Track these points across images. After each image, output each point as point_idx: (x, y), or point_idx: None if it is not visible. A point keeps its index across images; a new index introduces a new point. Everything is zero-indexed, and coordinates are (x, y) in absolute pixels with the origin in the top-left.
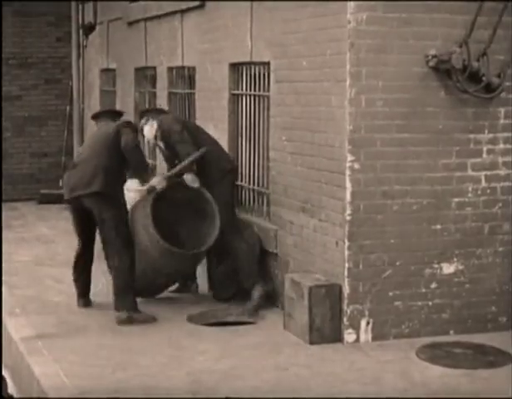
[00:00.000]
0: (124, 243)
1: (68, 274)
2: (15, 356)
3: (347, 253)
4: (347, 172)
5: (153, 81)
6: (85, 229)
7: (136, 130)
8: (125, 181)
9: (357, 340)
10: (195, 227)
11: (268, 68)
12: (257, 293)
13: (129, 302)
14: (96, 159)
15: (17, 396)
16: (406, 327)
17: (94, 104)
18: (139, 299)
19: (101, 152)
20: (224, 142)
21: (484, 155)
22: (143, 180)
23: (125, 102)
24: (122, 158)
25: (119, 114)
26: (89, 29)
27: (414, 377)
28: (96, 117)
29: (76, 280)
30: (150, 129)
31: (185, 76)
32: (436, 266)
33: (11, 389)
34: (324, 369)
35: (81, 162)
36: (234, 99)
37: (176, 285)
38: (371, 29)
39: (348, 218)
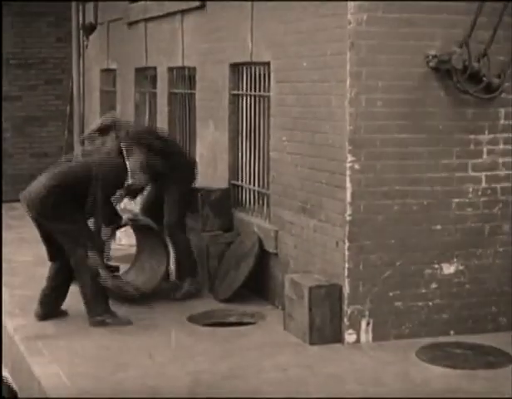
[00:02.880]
0: (83, 252)
1: None
2: (15, 356)
3: (347, 253)
4: (348, 172)
5: (153, 81)
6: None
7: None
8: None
9: (358, 340)
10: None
11: (269, 68)
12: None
13: (100, 308)
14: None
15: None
16: (407, 328)
17: (94, 104)
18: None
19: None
20: (224, 142)
21: (485, 156)
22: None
23: (126, 103)
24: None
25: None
26: (90, 29)
27: (414, 378)
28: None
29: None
30: None
31: (186, 77)
32: (436, 266)
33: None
34: (324, 369)
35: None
36: (235, 99)
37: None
38: (372, 29)
39: (348, 218)
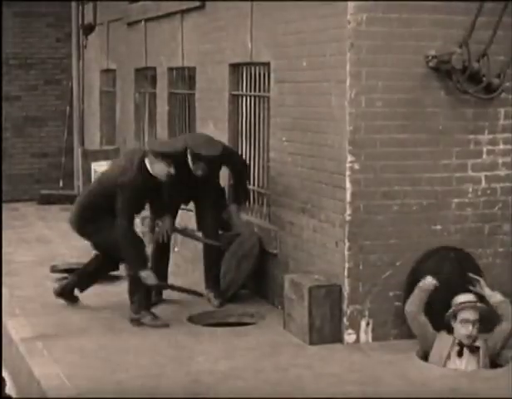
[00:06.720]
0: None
1: None
2: (15, 356)
3: (346, 253)
4: (347, 172)
5: (153, 81)
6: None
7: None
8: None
9: (357, 340)
10: None
11: (269, 69)
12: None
13: (138, 305)
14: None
15: (16, 397)
16: (406, 328)
17: (94, 104)
18: None
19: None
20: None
21: (484, 156)
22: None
23: (125, 103)
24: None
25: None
26: (89, 29)
27: (414, 378)
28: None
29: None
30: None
31: (185, 77)
32: None
33: (10, 390)
34: (324, 370)
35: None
36: (234, 99)
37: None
38: (371, 30)
39: (348, 218)
